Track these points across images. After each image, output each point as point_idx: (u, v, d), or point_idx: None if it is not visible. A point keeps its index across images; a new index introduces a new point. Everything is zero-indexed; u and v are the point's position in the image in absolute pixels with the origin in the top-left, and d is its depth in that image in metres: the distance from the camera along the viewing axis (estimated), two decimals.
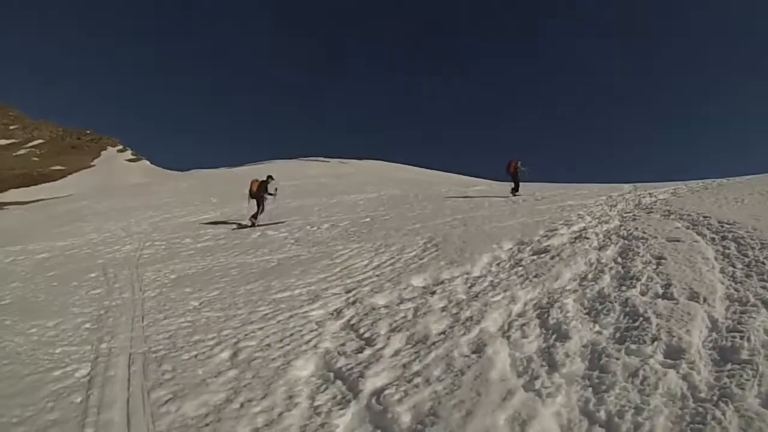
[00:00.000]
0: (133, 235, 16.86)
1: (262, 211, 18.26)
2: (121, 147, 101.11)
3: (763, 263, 6.77)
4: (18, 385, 5.31)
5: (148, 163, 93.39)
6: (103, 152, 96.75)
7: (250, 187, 18.43)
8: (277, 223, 17.77)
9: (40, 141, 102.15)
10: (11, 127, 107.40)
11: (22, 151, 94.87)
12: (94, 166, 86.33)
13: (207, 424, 4.32)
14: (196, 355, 5.91)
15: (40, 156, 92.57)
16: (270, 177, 18.85)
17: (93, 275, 11.04)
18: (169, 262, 12.09)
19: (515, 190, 21.78)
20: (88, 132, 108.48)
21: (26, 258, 13.99)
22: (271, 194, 18.49)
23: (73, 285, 10.21)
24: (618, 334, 5.50)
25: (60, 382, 5.37)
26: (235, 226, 18.13)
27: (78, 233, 18.44)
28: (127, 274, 10.74)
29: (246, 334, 6.53)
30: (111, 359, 5.93)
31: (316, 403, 4.71)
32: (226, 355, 5.90)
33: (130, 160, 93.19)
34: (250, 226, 17.62)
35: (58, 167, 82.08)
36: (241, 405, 4.67)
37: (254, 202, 18.37)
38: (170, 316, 7.54)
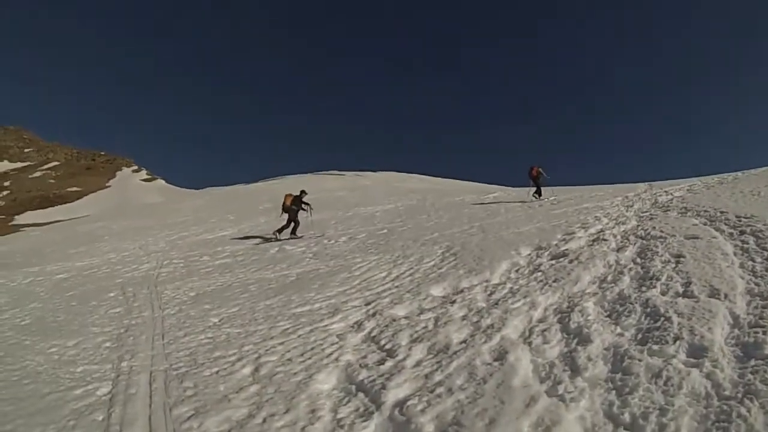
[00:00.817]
0: (150, 254, 16.96)
1: (297, 225, 18.37)
2: (135, 167, 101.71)
3: None
4: (39, 404, 5.34)
5: (163, 182, 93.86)
6: (118, 173, 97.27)
7: (284, 201, 18.50)
8: (311, 236, 17.88)
9: (56, 163, 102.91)
10: (26, 150, 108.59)
11: (37, 174, 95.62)
12: (109, 186, 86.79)
13: None
14: (217, 371, 5.90)
15: (56, 178, 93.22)
16: (303, 192, 18.98)
17: (112, 294, 11.11)
18: (188, 279, 12.14)
19: (538, 194, 22.13)
20: (103, 153, 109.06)
21: (45, 279, 14.11)
22: (306, 206, 18.60)
23: (92, 304, 10.27)
24: (640, 335, 5.48)
25: (81, 401, 5.38)
26: (258, 240, 18.22)
27: (96, 253, 18.57)
28: (146, 293, 10.80)
29: (267, 349, 6.52)
30: (132, 377, 5.95)
31: (338, 416, 4.69)
32: (247, 370, 5.89)
33: (145, 180, 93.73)
34: (274, 240, 17.86)
35: (74, 188, 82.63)
36: (264, 420, 4.65)
37: (285, 216, 18.53)
38: (190, 333, 7.55)
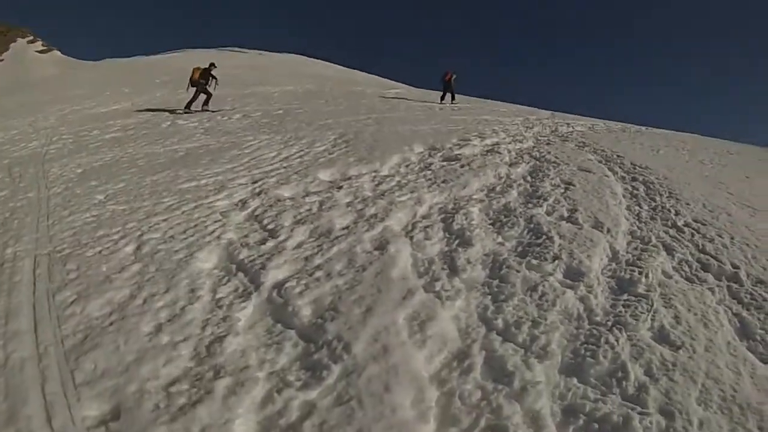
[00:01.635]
0: (40, 131, 15.80)
1: (209, 97, 18.02)
2: (31, 38, 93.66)
3: (669, 210, 7.00)
4: None
5: (59, 53, 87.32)
6: (12, 45, 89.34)
7: (192, 74, 17.96)
8: (219, 110, 17.65)
9: None
10: None
11: None
12: (2, 60, 79.91)
13: (111, 323, 4.18)
14: (100, 251, 5.64)
15: None
16: (212, 64, 18.46)
17: None
18: (76, 155, 11.44)
19: (452, 98, 23.06)
20: None
21: None
22: (213, 79, 18.13)
23: None
24: (520, 248, 5.71)
25: None
26: (151, 114, 17.51)
27: None
28: (32, 172, 10.08)
29: (150, 227, 6.31)
30: (16, 263, 5.58)
31: (218, 296, 4.65)
32: (130, 249, 5.68)
33: (40, 51, 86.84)
34: (184, 113, 17.43)
35: None
36: (144, 301, 4.54)
37: (193, 90, 18.05)
38: (75, 212, 7.14)
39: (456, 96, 23.33)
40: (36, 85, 38.96)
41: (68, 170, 9.95)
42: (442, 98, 23.14)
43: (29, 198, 8.12)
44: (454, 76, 22.93)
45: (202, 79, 17.84)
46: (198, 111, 17.59)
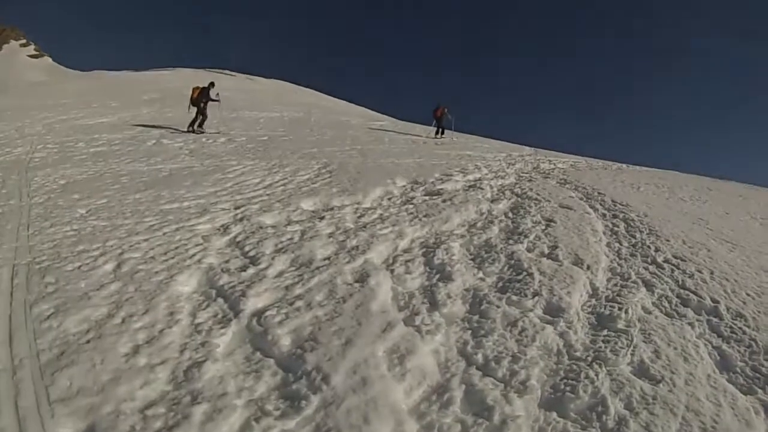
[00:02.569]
0: (26, 137, 15.69)
1: (205, 119, 18.19)
2: (24, 41, 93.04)
3: (649, 247, 7.07)
4: None
5: (50, 60, 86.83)
6: (5, 46, 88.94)
7: (191, 93, 18.12)
8: (204, 133, 17.82)
9: None
10: None
11: None
12: None
13: (88, 341, 4.14)
14: (79, 266, 5.60)
15: None
16: (212, 84, 18.65)
17: None
18: (60, 166, 11.37)
19: (441, 133, 23.24)
20: None
21: None
22: (214, 100, 18.31)
23: None
24: (501, 284, 5.74)
25: None
26: (138, 130, 17.61)
27: None
28: (15, 179, 10.00)
29: (131, 246, 6.28)
30: None
31: (197, 321, 4.63)
32: (109, 267, 5.64)
33: (32, 56, 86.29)
34: (190, 132, 17.76)
35: None
36: (123, 320, 4.50)
37: (194, 109, 18.13)
38: (56, 223, 7.09)
39: (446, 131, 23.50)
40: (25, 90, 38.71)
41: (51, 180, 9.89)
42: (437, 133, 23.24)
43: (11, 205, 8.06)
44: (446, 110, 23.10)
45: (202, 99, 17.98)
46: (202, 132, 17.73)
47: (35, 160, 12.14)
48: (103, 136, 16.04)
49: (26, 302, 4.76)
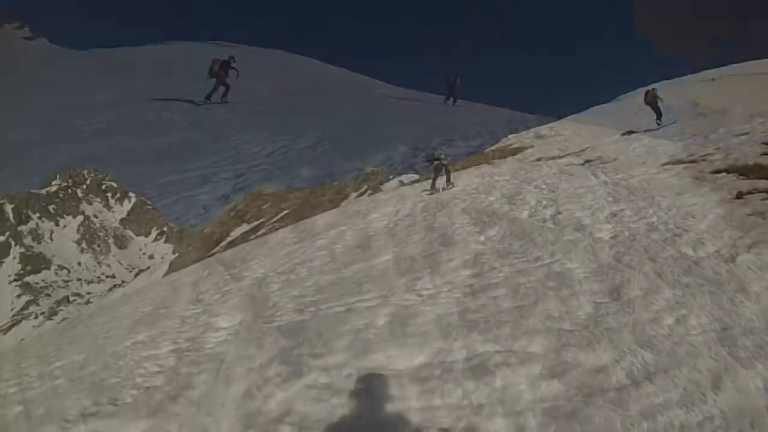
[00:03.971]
0: None
1: (228, 89, 18.64)
2: (18, 24, 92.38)
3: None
4: None
5: (46, 41, 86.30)
6: None
7: (211, 65, 18.50)
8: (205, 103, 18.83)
9: None
10: None
11: None
12: None
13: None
14: None
15: None
16: (232, 57, 18.99)
17: None
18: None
19: (454, 101, 23.88)
20: None
21: None
22: (233, 68, 18.64)
23: None
24: (502, 248, 5.64)
25: None
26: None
27: None
28: None
29: None
30: None
31: (199, 290, 4.63)
32: None
33: (27, 38, 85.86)
34: (205, 103, 18.71)
35: None
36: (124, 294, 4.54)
37: (212, 81, 18.59)
38: None
39: (458, 100, 24.04)
40: (20, 77, 38.63)
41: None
42: (446, 100, 24.13)
43: None
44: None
45: (221, 71, 18.36)
46: (218, 103, 18.50)
47: None
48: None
49: None
